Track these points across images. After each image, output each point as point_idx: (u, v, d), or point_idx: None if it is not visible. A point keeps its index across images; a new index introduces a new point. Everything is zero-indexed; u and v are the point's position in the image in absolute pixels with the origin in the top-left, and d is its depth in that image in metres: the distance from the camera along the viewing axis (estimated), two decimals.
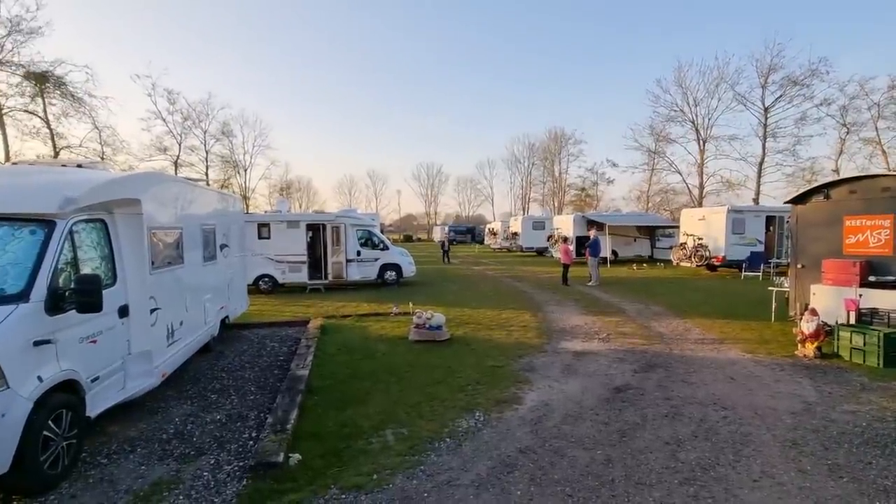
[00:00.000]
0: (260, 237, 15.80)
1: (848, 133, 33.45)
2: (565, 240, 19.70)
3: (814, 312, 7.51)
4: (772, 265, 18.70)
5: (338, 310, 12.17)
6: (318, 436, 4.56)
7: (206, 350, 7.61)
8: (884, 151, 31.41)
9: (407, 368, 6.87)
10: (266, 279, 15.90)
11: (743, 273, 18.67)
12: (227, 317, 8.31)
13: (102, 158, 27.90)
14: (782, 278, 10.46)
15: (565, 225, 27.48)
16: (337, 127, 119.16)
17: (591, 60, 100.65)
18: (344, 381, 6.27)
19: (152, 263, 5.07)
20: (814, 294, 8.46)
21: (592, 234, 18.35)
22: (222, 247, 8.05)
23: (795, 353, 7.42)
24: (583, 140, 61.87)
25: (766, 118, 35.95)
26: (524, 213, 50.15)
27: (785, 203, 9.70)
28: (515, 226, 36.35)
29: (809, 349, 7.30)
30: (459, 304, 12.82)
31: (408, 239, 77.74)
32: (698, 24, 79.58)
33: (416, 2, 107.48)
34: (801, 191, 9.07)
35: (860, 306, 7.56)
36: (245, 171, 48.01)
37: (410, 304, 11.49)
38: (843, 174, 26.06)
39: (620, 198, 54.77)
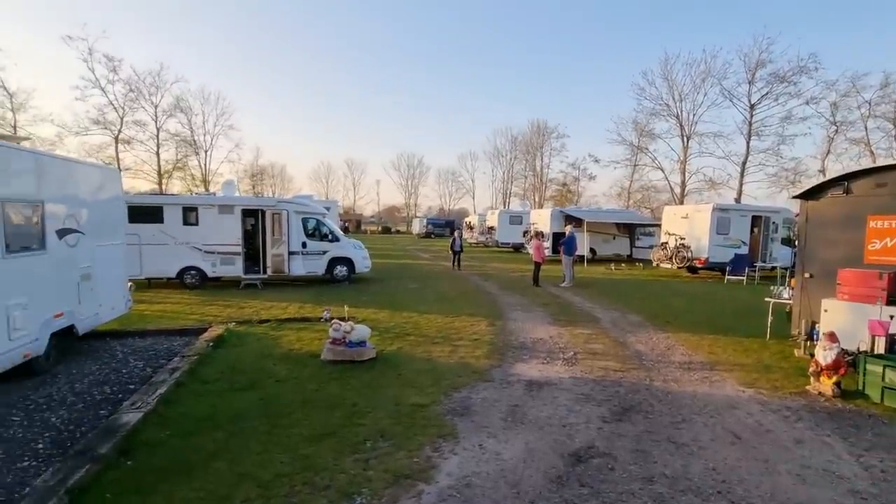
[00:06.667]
0: (186, 223, 13.64)
1: (837, 132, 32.53)
2: (538, 235, 17.99)
3: (833, 338, 5.86)
4: (756, 269, 17.42)
5: (259, 312, 10.21)
6: None
7: (30, 373, 5.61)
8: (872, 152, 30.52)
9: (296, 407, 4.99)
10: (192, 272, 13.77)
11: (726, 277, 17.29)
12: (72, 326, 6.26)
13: (15, 129, 24.70)
14: (781, 287, 8.87)
15: (542, 220, 25.82)
16: (314, 114, 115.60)
17: (577, 54, 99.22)
18: (189, 432, 4.35)
19: None
20: (825, 311, 6.86)
21: (569, 230, 16.66)
22: (65, 232, 6.00)
23: (808, 388, 5.79)
24: (565, 134, 60.52)
25: (752, 115, 34.84)
26: (505, 207, 48.47)
27: (793, 197, 8.08)
28: (492, 220, 34.72)
29: (826, 385, 5.66)
30: (410, 307, 10.98)
31: (386, 231, 75.56)
32: (688, 16, 78.60)
33: None
34: (815, 183, 7.44)
35: (890, 331, 5.95)
36: (205, 152, 44.74)
37: (346, 309, 9.59)
38: (830, 175, 25.12)
39: (601, 194, 53.73)
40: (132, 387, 5.50)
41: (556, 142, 60.00)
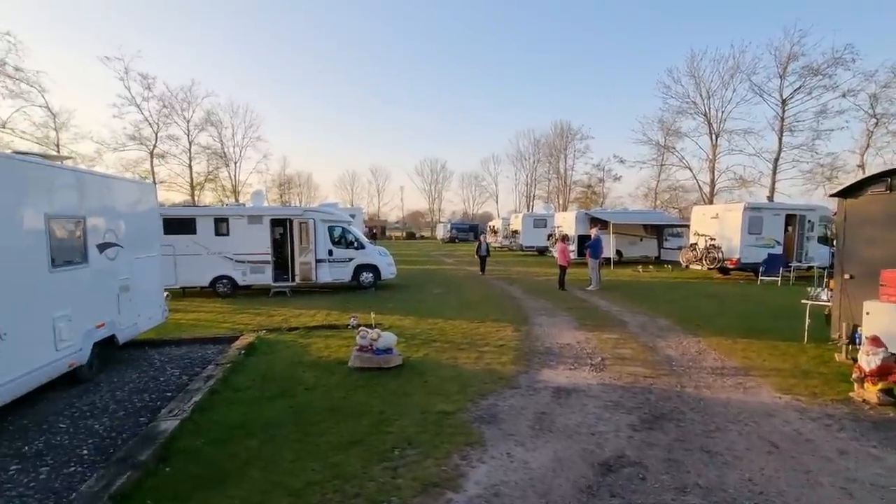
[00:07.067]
0: (217, 233, 14.08)
1: (877, 125, 31.09)
2: (563, 239, 17.77)
3: (877, 342, 5.63)
4: (791, 270, 16.83)
5: (288, 319, 10.42)
6: None
7: (74, 381, 5.89)
8: None
9: (325, 415, 5.08)
10: (224, 281, 14.18)
11: (760, 277, 16.75)
12: (113, 335, 6.53)
13: (58, 147, 25.92)
14: (819, 289, 8.54)
15: (567, 222, 25.53)
16: (338, 122, 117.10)
17: (600, 54, 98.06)
18: (223, 440, 4.48)
19: None
20: (867, 313, 6.55)
21: (594, 233, 16.45)
22: (105, 246, 6.28)
23: (851, 395, 5.55)
24: (589, 136, 59.74)
25: (784, 111, 33.69)
26: (528, 211, 48.14)
27: (831, 196, 7.78)
28: (516, 223, 34.55)
29: (871, 392, 5.42)
30: (435, 313, 11.02)
31: (410, 236, 76.10)
32: (713, 16, 76.78)
33: None
34: (854, 180, 7.15)
35: None
36: (235, 163, 46.14)
37: (372, 315, 9.71)
38: (871, 171, 23.97)
39: (627, 195, 52.68)
40: (169, 394, 5.71)
41: (580, 143, 59.41)
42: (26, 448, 4.37)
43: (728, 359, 7.19)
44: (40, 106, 26.98)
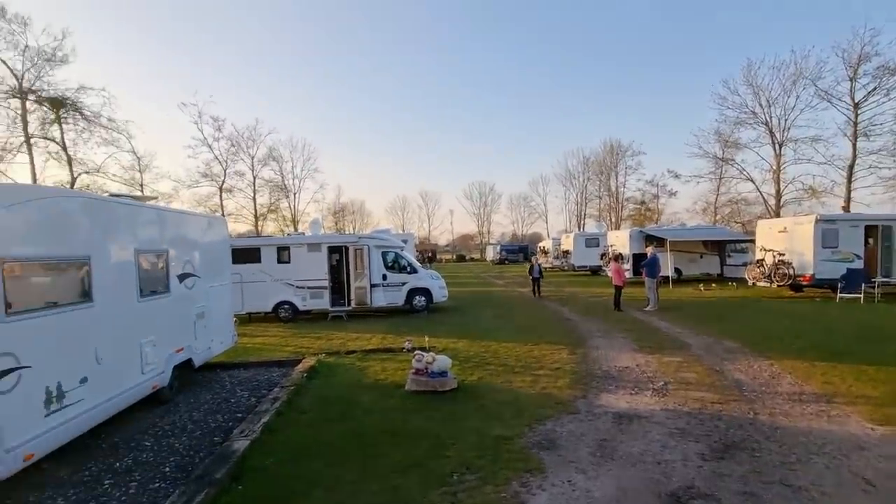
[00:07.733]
0: (279, 261, 14.89)
1: None
2: (617, 258, 17.30)
3: None
4: (876, 285, 15.43)
5: (346, 343, 10.75)
6: None
7: (157, 401, 6.37)
8: None
9: (384, 437, 5.19)
10: (286, 306, 14.90)
11: (838, 294, 15.46)
12: (190, 359, 7.03)
13: (142, 187, 28.64)
14: None
15: (620, 241, 24.84)
16: (389, 148, 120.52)
17: (648, 69, 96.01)
18: (290, 460, 4.68)
19: (7, 307, 3.78)
20: None
21: (650, 251, 15.92)
22: (184, 277, 6.83)
23: None
24: (641, 151, 58.07)
25: (857, 115, 31.38)
26: (579, 230, 47.30)
27: None
28: (567, 243, 34.05)
29: None
30: (488, 336, 11.00)
31: (460, 259, 76.60)
32: (768, 25, 73.51)
33: (462, 20, 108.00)
34: None
35: None
36: (294, 195, 48.89)
37: (426, 339, 9.85)
38: None
39: (684, 210, 50.40)
40: (240, 415, 6.05)
41: (632, 160, 57.90)
42: (118, 464, 4.78)
43: (806, 384, 6.69)
44: (128, 151, 30.26)
